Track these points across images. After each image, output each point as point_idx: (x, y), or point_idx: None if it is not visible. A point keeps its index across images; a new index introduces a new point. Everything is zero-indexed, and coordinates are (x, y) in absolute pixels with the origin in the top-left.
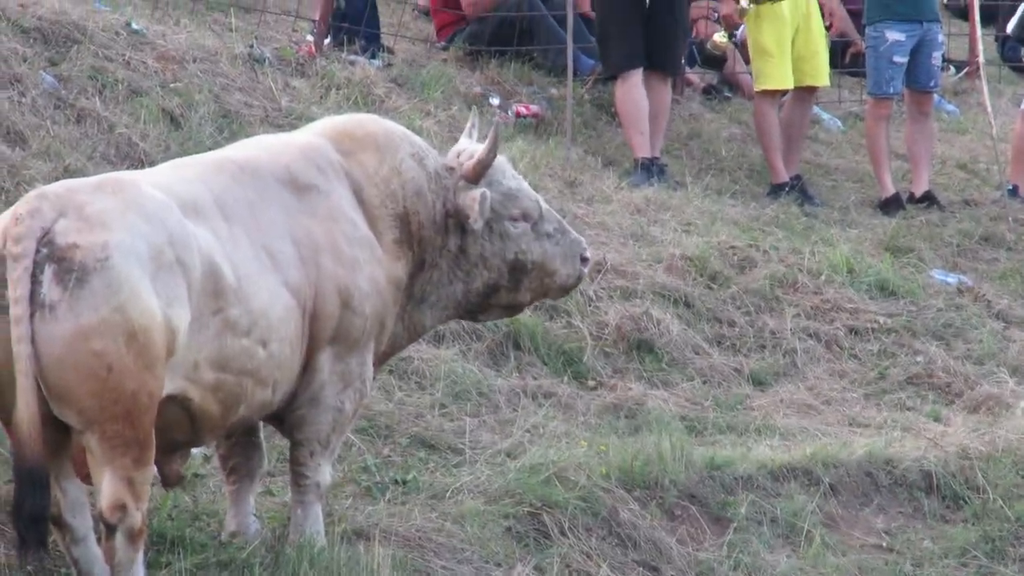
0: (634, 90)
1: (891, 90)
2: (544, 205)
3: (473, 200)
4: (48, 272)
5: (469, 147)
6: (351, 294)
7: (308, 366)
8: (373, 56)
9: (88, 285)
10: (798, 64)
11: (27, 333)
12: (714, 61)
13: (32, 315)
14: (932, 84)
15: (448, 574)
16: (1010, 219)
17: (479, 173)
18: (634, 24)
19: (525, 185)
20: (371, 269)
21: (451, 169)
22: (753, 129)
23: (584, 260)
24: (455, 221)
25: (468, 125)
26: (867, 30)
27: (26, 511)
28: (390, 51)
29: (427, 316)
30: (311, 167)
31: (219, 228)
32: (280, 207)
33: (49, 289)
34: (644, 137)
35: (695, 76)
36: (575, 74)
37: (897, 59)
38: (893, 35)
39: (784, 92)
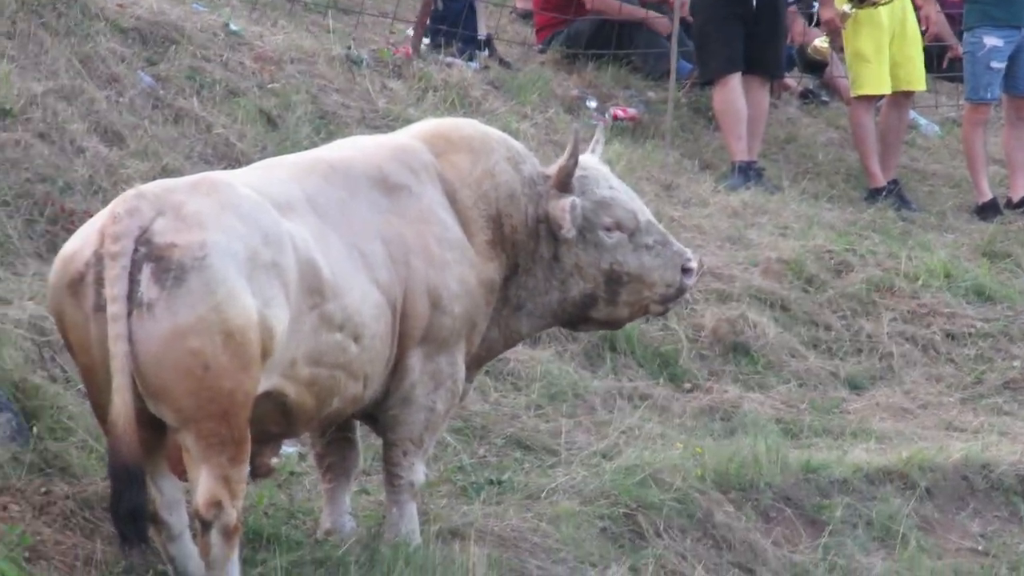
0: (733, 94)
1: (989, 96)
2: (645, 216)
3: (563, 209)
4: (146, 271)
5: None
6: (440, 294)
7: (399, 366)
8: (471, 58)
9: (186, 284)
10: (894, 70)
11: (124, 331)
12: (815, 66)
13: (130, 313)
14: None
15: (543, 574)
16: None
17: (563, 180)
18: (735, 27)
19: (622, 195)
20: (461, 270)
21: (547, 177)
22: (850, 134)
23: (687, 271)
24: (547, 228)
25: (592, 141)
26: (965, 35)
27: (124, 507)
28: (491, 49)
29: (523, 324)
30: (403, 168)
31: (312, 226)
32: (371, 207)
33: (147, 288)
34: (742, 141)
35: (792, 80)
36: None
37: (995, 65)
38: (991, 40)
39: (881, 97)
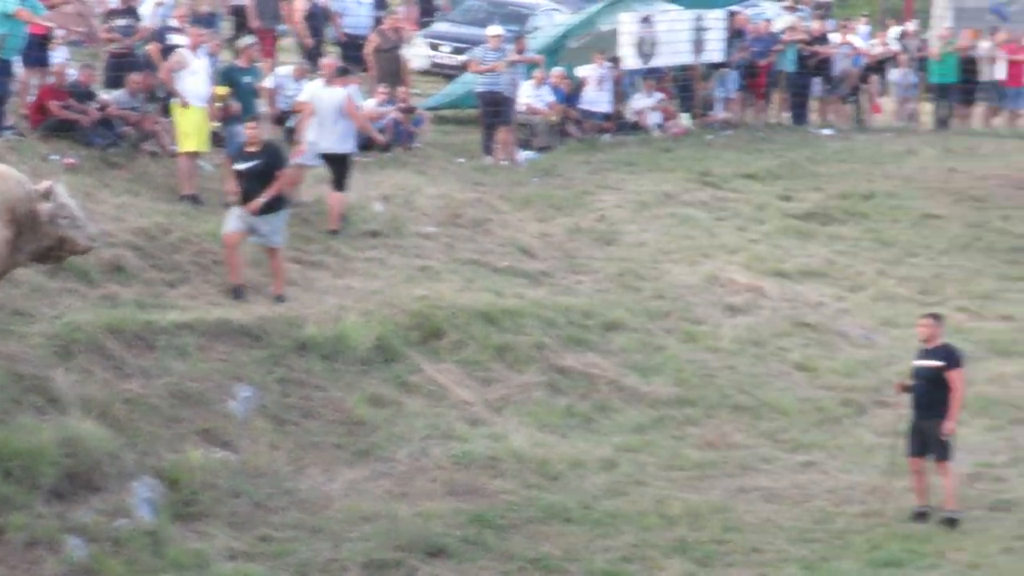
0: None
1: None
2: (79, 213)
3: (43, 208)
4: None
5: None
6: None
7: None
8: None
9: None
10: None
11: None
12: None
13: None
14: None
15: None
16: None
17: (44, 195)
18: None
19: (70, 203)
20: None
21: (38, 191)
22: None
23: (95, 240)
24: (35, 215)
25: (60, 182)
26: None
27: None
28: None
29: (20, 259)
30: None
31: None
32: None
33: None
34: None
35: None
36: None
37: None
38: None
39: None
